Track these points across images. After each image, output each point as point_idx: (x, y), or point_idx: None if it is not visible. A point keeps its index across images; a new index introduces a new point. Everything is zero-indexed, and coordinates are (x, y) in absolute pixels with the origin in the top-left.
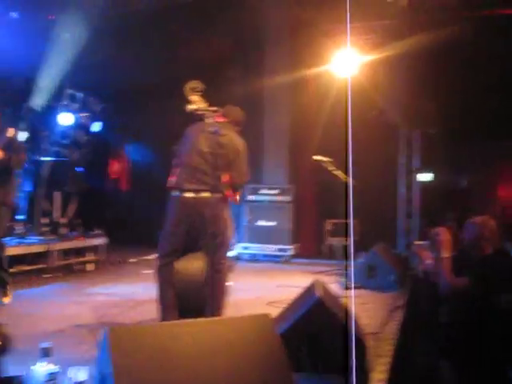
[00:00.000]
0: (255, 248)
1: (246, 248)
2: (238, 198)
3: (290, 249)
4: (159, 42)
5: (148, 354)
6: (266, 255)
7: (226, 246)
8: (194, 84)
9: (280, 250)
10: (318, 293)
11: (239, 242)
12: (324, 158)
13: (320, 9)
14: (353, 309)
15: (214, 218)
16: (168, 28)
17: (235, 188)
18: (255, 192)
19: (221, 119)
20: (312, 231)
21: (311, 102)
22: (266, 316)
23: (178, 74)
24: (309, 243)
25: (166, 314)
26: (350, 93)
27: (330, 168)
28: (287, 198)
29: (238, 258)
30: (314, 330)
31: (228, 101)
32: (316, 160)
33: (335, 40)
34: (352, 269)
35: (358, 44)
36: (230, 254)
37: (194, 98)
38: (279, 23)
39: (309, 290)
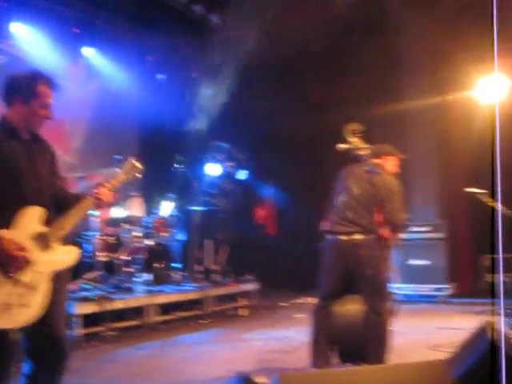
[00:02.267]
0: (409, 288)
1: (399, 289)
2: (396, 238)
3: (447, 288)
4: (295, 89)
5: None
6: (420, 295)
7: (384, 289)
8: (355, 126)
9: (436, 289)
10: (491, 335)
11: (393, 282)
12: (477, 190)
13: (462, 35)
14: None
15: (369, 260)
16: (302, 75)
17: (392, 228)
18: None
19: (375, 159)
20: (468, 268)
21: (456, 130)
22: (439, 362)
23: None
24: (466, 281)
25: (316, 359)
26: (497, 119)
27: (485, 200)
28: (440, 235)
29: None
30: (490, 376)
31: (371, 138)
32: (469, 192)
33: (479, 66)
34: None
35: (506, 68)
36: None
37: (354, 140)
38: (419, 50)
39: (479, 332)
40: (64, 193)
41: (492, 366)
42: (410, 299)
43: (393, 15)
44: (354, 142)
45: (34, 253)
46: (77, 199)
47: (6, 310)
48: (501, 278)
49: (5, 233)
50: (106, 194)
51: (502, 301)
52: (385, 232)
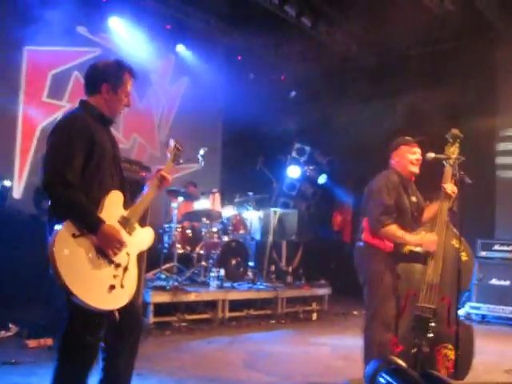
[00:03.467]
0: (486, 309)
1: (475, 308)
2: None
3: None
4: (378, 94)
5: None
6: (498, 317)
7: (370, 298)
8: (457, 132)
9: None
10: None
11: (468, 300)
12: None
13: None
14: None
15: (357, 267)
16: (387, 81)
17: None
18: (487, 248)
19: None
20: None
21: None
22: None
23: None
24: None
25: None
26: None
27: None
28: None
29: (466, 318)
30: None
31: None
32: None
33: None
34: None
35: None
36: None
37: (454, 148)
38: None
39: None
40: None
41: None
42: (485, 320)
43: (490, 22)
44: (453, 151)
45: (124, 236)
46: (138, 184)
47: (111, 292)
48: None
49: (109, 220)
50: (165, 176)
51: None
52: (366, 237)
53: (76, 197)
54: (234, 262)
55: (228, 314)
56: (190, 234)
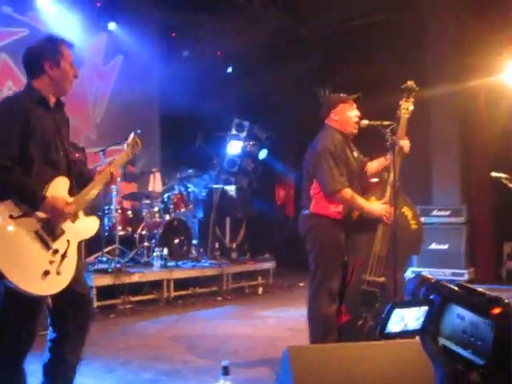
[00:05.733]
0: (427, 273)
1: (416, 273)
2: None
3: (465, 273)
4: (319, 66)
5: (332, 375)
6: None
7: (316, 268)
8: (413, 84)
9: (454, 274)
10: None
11: (410, 266)
12: (503, 175)
13: (489, 16)
14: None
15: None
16: (329, 53)
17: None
18: (425, 214)
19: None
20: (489, 255)
21: (481, 114)
22: None
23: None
24: (485, 268)
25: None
26: None
27: (510, 185)
28: (460, 220)
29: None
30: None
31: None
32: (494, 177)
33: (507, 49)
34: None
35: None
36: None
37: (409, 102)
38: (444, 28)
39: None
40: (81, 165)
41: None
42: None
43: None
44: (407, 106)
45: (67, 223)
46: (89, 173)
47: (45, 278)
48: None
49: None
50: (114, 175)
51: None
52: (313, 205)
53: (15, 176)
54: (176, 240)
55: (174, 294)
56: (131, 215)
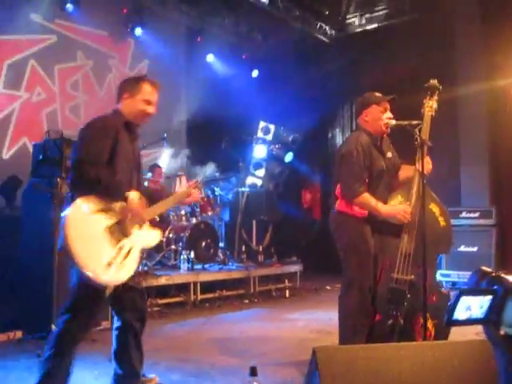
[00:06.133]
0: (456, 275)
1: (445, 276)
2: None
3: None
4: (345, 68)
5: (359, 376)
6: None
7: (346, 266)
8: (436, 83)
9: None
10: None
11: (439, 268)
12: None
13: None
14: None
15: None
16: (355, 55)
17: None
18: (454, 216)
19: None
20: None
21: (511, 114)
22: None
23: None
24: None
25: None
26: None
27: None
28: (490, 222)
29: None
30: None
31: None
32: None
33: None
34: None
35: None
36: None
37: (433, 101)
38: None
39: None
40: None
41: None
42: (456, 287)
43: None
44: (431, 105)
45: (134, 227)
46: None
47: (109, 269)
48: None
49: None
50: (196, 193)
51: None
52: (339, 205)
53: (103, 172)
54: (203, 243)
55: (200, 296)
56: (158, 219)
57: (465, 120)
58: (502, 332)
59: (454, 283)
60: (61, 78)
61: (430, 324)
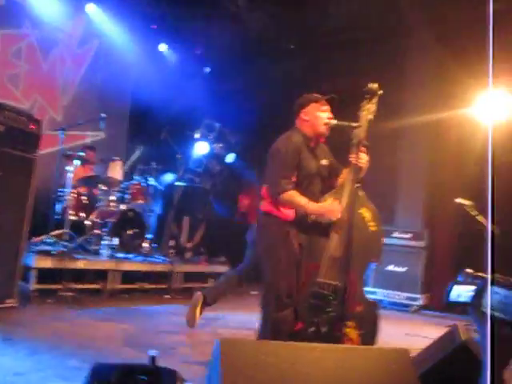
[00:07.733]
0: (382, 294)
1: (371, 293)
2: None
3: (419, 298)
4: (296, 78)
5: (262, 372)
6: (392, 302)
7: (267, 275)
8: (375, 87)
9: (409, 298)
10: (463, 336)
11: (365, 285)
12: (466, 202)
13: (465, 48)
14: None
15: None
16: (306, 65)
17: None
18: (386, 235)
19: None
20: (446, 282)
21: (452, 144)
22: (404, 350)
23: None
24: (441, 294)
25: None
26: (490, 137)
27: (473, 213)
28: (421, 244)
29: None
30: (456, 374)
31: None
32: (458, 203)
33: (481, 82)
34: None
35: (506, 85)
36: None
37: (371, 105)
38: (422, 62)
39: (451, 333)
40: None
41: (461, 364)
42: (383, 305)
43: (403, 21)
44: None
45: None
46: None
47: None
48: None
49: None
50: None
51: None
52: (264, 206)
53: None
54: (129, 232)
55: (120, 286)
56: (86, 201)
57: (405, 142)
58: (482, 310)
59: (379, 301)
60: (3, 43)
61: (354, 334)
